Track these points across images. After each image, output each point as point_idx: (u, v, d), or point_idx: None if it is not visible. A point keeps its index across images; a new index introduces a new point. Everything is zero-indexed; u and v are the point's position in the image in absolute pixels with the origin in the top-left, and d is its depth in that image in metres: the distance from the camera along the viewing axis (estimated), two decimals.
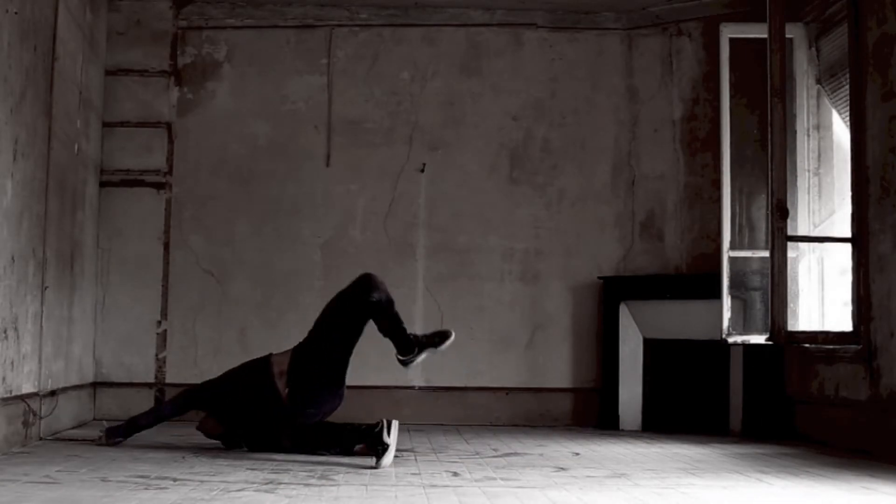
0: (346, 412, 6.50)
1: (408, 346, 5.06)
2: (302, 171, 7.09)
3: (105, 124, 6.87)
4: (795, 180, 6.31)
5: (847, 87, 5.73)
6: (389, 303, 5.07)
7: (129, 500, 3.48)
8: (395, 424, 4.59)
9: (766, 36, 5.78)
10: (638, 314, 6.75)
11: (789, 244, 5.80)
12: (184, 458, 4.71)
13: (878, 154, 5.31)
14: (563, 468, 4.58)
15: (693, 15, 7.09)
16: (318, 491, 3.76)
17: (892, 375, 5.10)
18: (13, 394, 4.92)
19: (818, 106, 6.40)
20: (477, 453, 5.18)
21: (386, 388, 6.85)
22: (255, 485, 3.89)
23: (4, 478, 3.96)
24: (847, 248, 5.64)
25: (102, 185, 6.85)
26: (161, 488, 3.76)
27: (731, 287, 6.25)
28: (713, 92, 6.81)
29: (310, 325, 7.03)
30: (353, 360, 5.18)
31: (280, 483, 3.94)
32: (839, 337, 5.66)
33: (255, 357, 5.35)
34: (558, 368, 7.04)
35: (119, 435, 5.20)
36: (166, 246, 6.95)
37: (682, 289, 6.71)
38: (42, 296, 5.42)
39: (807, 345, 5.97)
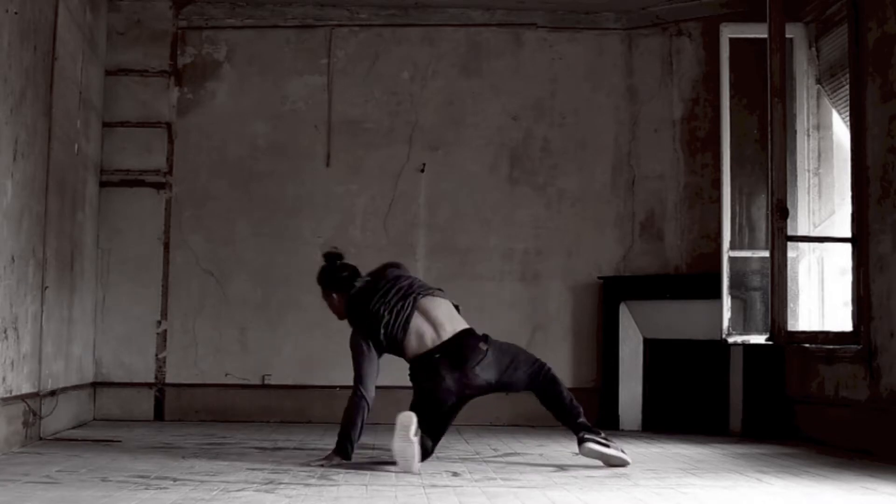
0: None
1: None
2: (302, 171, 7.08)
3: (105, 124, 6.87)
4: (795, 180, 6.30)
5: (847, 87, 5.72)
6: None
7: (129, 500, 3.48)
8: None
9: (766, 36, 5.77)
10: (638, 314, 6.75)
11: (789, 244, 5.79)
12: (184, 458, 4.71)
13: (878, 154, 5.31)
14: (562, 468, 4.58)
15: (693, 15, 7.08)
16: (318, 491, 3.76)
17: (892, 375, 5.10)
18: (13, 394, 4.92)
19: (818, 106, 6.39)
20: (477, 453, 5.18)
21: (386, 388, 6.82)
22: (255, 485, 3.89)
23: (4, 478, 3.97)
24: (847, 248, 5.64)
25: (102, 185, 6.85)
26: (161, 488, 3.76)
27: (731, 287, 6.24)
28: (713, 92, 6.79)
29: (310, 324, 7.04)
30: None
31: (280, 483, 3.94)
32: (839, 337, 5.66)
33: None
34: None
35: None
36: (166, 246, 6.94)
37: (682, 289, 6.70)
38: (42, 296, 5.41)
39: (807, 345, 5.97)
